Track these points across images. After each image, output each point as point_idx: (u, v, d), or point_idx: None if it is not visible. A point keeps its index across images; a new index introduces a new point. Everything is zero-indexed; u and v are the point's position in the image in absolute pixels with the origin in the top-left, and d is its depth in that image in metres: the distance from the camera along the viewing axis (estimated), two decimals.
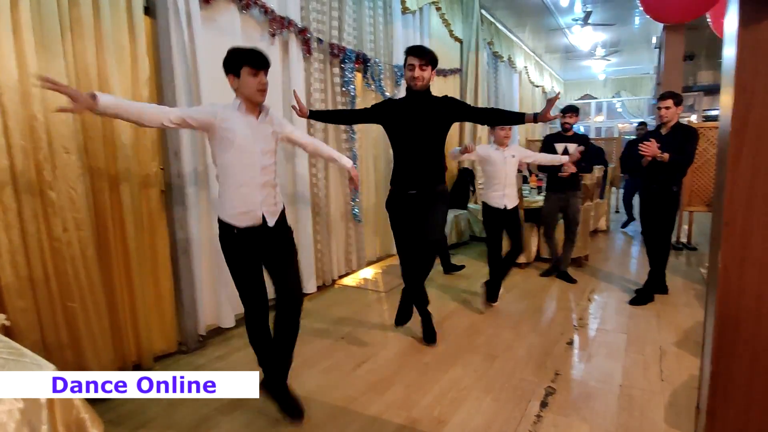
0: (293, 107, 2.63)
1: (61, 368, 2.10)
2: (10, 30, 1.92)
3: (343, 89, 4.01)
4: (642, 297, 3.52)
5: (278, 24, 3.28)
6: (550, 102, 2.37)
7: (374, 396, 2.24)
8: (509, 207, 3.39)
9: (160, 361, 2.64)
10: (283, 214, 2.12)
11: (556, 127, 4.65)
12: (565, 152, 3.93)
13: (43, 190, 2.06)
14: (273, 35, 3.28)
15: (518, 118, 2.56)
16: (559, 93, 2.90)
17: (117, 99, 1.78)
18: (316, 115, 2.74)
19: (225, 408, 2.14)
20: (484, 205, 3.47)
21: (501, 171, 3.37)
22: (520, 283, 4.10)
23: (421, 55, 2.45)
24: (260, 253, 2.03)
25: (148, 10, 2.56)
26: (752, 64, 1.10)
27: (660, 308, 3.38)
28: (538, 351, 2.72)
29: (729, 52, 1.18)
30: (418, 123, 2.52)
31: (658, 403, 2.14)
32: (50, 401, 1.10)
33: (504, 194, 3.37)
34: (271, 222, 2.01)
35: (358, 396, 2.24)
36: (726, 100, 1.18)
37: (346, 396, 2.24)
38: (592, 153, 3.95)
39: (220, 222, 2.00)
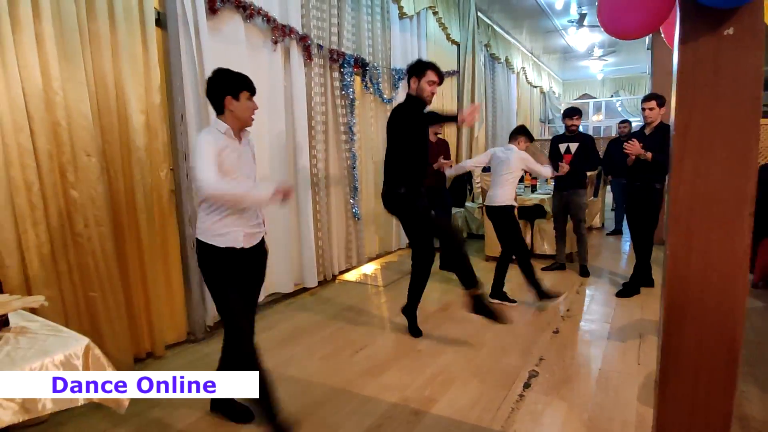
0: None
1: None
2: (33, 42, 2.11)
3: (343, 93, 4.19)
4: (628, 289, 3.69)
5: (280, 32, 3.47)
6: (470, 110, 2.70)
7: (370, 379, 2.42)
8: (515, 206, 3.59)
9: (171, 349, 2.82)
10: (263, 240, 2.09)
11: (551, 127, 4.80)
12: (567, 151, 4.10)
13: (66, 190, 2.26)
14: (275, 42, 3.47)
15: (452, 121, 2.88)
16: (477, 104, 3.25)
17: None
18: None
19: None
20: (505, 208, 3.44)
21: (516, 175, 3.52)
22: (513, 277, 4.25)
23: (441, 75, 2.69)
24: (240, 271, 1.99)
25: (159, 22, 2.75)
26: (691, 78, 1.27)
27: (644, 300, 3.55)
28: (525, 339, 2.90)
29: (675, 65, 1.35)
30: (424, 132, 2.82)
31: (633, 384, 2.32)
32: (86, 368, 1.28)
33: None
34: (249, 244, 1.97)
35: (354, 379, 2.43)
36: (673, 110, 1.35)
37: (344, 379, 2.43)
38: (591, 152, 4.08)
39: (200, 243, 1.93)
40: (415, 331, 2.99)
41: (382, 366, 2.57)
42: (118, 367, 2.43)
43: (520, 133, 3.51)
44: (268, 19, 3.37)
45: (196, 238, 1.95)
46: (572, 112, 4.15)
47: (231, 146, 1.92)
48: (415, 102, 2.70)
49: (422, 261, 2.94)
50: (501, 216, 3.46)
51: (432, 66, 2.66)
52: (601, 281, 4.11)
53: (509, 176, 3.42)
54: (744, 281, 1.30)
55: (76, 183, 2.27)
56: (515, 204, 3.54)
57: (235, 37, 3.19)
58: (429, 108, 2.77)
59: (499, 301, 3.56)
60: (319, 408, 2.17)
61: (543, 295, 3.37)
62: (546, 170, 3.59)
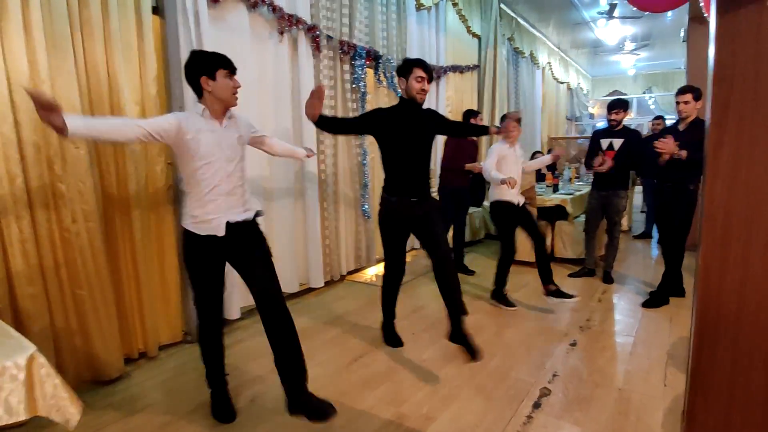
0: (309, 106, 2.36)
1: (70, 353, 2.24)
2: (21, 29, 2.02)
3: (353, 86, 4.03)
4: (656, 299, 3.40)
5: (287, 22, 3.33)
6: (508, 118, 2.68)
7: (366, 391, 2.26)
8: (521, 203, 3.34)
9: (165, 349, 2.73)
10: (254, 220, 2.00)
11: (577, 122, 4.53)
12: (610, 147, 3.80)
13: (53, 183, 2.17)
14: (282, 33, 3.33)
15: (483, 131, 2.83)
16: (520, 111, 3.06)
17: (86, 119, 1.68)
18: (322, 121, 2.43)
19: None
20: (498, 203, 3.36)
21: (514, 168, 3.34)
22: (531, 281, 4.03)
23: (429, 70, 2.49)
24: (222, 260, 1.95)
25: (157, 10, 2.65)
26: (730, 54, 1.05)
27: (674, 312, 3.26)
28: (539, 351, 2.67)
29: (711, 44, 1.12)
30: (418, 133, 2.53)
31: (657, 409, 2.07)
32: (29, 380, 1.16)
33: (516, 192, 3.34)
34: (235, 229, 1.90)
35: (349, 389, 2.26)
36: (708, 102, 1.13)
37: (339, 389, 2.27)
38: (637, 149, 3.70)
39: (183, 230, 1.92)
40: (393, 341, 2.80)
41: (381, 376, 2.40)
42: (108, 368, 2.37)
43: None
44: (274, 9, 3.24)
45: (181, 224, 1.90)
46: (614, 105, 3.74)
47: (208, 128, 1.84)
48: (407, 104, 2.51)
49: (390, 273, 2.72)
50: (492, 212, 3.46)
51: (417, 62, 2.49)
52: (626, 289, 3.82)
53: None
54: None
55: (64, 176, 2.18)
56: (505, 199, 3.31)
57: (239, 27, 3.07)
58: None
59: (497, 303, 3.41)
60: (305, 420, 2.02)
61: (506, 302, 3.40)
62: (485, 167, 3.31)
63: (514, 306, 3.38)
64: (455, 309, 2.41)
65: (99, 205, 2.35)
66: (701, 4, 1.45)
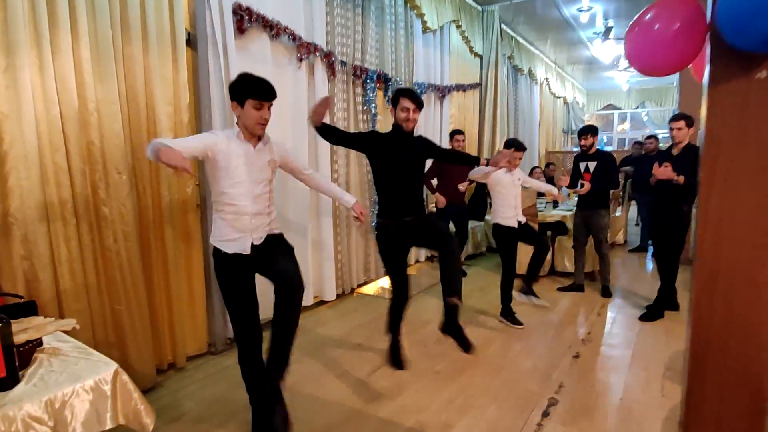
0: (314, 111, 2.48)
1: None
2: (71, 65, 2.20)
3: (365, 108, 4.23)
4: (652, 313, 3.60)
5: (305, 49, 3.53)
6: (500, 155, 2.79)
7: (386, 401, 2.42)
8: (522, 222, 3.53)
9: (192, 360, 2.88)
10: (280, 234, 2.10)
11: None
12: (587, 170, 4.03)
13: (97, 206, 2.34)
14: (300, 60, 3.53)
15: (474, 161, 2.88)
16: (512, 150, 3.29)
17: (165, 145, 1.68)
18: (322, 128, 2.55)
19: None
20: (497, 226, 3.54)
21: (511, 193, 3.51)
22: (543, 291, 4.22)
23: (416, 99, 2.58)
24: (251, 274, 2.01)
25: (189, 42, 2.84)
26: (720, 118, 1.25)
27: (668, 325, 3.45)
28: (545, 363, 2.85)
29: (704, 105, 1.32)
30: (408, 161, 2.66)
31: (656, 418, 2.26)
32: (114, 393, 1.32)
33: (516, 214, 3.51)
34: (260, 246, 1.98)
35: (371, 400, 2.43)
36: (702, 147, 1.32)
37: (361, 400, 2.43)
38: (611, 171, 3.97)
39: (213, 248, 2.00)
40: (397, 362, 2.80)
41: (398, 387, 2.57)
42: (142, 378, 2.52)
43: None
44: (294, 38, 3.43)
45: (210, 242, 2.03)
46: (584, 131, 4.02)
47: (241, 150, 1.92)
48: (397, 131, 2.63)
49: (397, 294, 2.74)
50: (493, 233, 3.64)
51: (404, 92, 2.60)
52: (623, 303, 4.02)
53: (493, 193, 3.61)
54: None
55: (107, 200, 2.35)
56: (504, 224, 3.49)
57: (262, 55, 3.26)
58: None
59: (505, 321, 3.55)
60: (335, 429, 2.19)
61: (513, 320, 3.53)
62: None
63: (521, 324, 3.49)
64: (452, 291, 2.41)
65: (136, 225, 2.52)
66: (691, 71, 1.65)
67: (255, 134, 1.95)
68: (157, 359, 2.70)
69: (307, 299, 3.77)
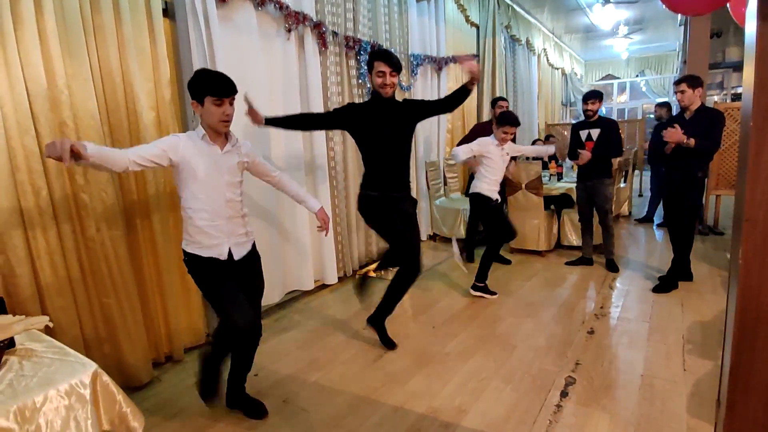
0: (247, 114, 2.43)
1: (100, 362, 2.24)
2: (36, 38, 1.99)
3: (359, 81, 4.02)
4: (666, 284, 3.48)
5: (293, 19, 3.30)
6: (461, 58, 2.59)
7: (395, 386, 2.30)
8: (498, 200, 3.46)
9: (190, 352, 2.75)
10: (253, 246, 2.05)
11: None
12: (588, 138, 3.86)
13: (76, 193, 2.16)
14: (289, 30, 3.30)
15: (465, 91, 2.57)
16: (475, 56, 3.06)
17: (99, 148, 1.58)
18: (273, 122, 2.49)
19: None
20: (479, 195, 3.42)
21: (499, 166, 3.42)
22: (540, 270, 4.10)
23: (391, 62, 2.39)
24: (227, 275, 1.92)
25: (167, 12, 2.62)
26: None
27: (684, 296, 3.33)
28: (558, 340, 2.73)
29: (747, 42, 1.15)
30: (393, 129, 2.49)
31: (681, 394, 2.14)
32: (94, 397, 1.18)
33: (497, 189, 3.44)
34: (237, 255, 1.93)
35: (379, 386, 2.31)
36: (746, 93, 1.15)
37: (369, 386, 2.31)
38: (614, 138, 3.81)
39: (185, 253, 1.90)
40: (387, 342, 2.73)
41: (408, 371, 2.45)
42: (138, 373, 2.39)
43: None
44: (281, 6, 3.20)
45: (182, 248, 1.91)
46: (590, 96, 3.83)
47: (207, 152, 1.82)
48: (377, 98, 2.48)
49: (405, 271, 2.60)
50: (471, 204, 3.58)
51: (378, 55, 2.41)
52: (633, 275, 3.90)
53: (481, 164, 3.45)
54: None
55: (86, 186, 2.17)
56: (483, 193, 3.40)
57: (247, 26, 3.04)
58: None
59: (479, 293, 3.48)
60: (343, 419, 2.06)
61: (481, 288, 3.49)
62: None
63: (494, 293, 3.48)
64: (389, 308, 2.69)
65: (121, 213, 2.34)
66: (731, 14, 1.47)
67: (220, 132, 1.85)
68: (153, 353, 2.57)
69: (308, 284, 3.63)
